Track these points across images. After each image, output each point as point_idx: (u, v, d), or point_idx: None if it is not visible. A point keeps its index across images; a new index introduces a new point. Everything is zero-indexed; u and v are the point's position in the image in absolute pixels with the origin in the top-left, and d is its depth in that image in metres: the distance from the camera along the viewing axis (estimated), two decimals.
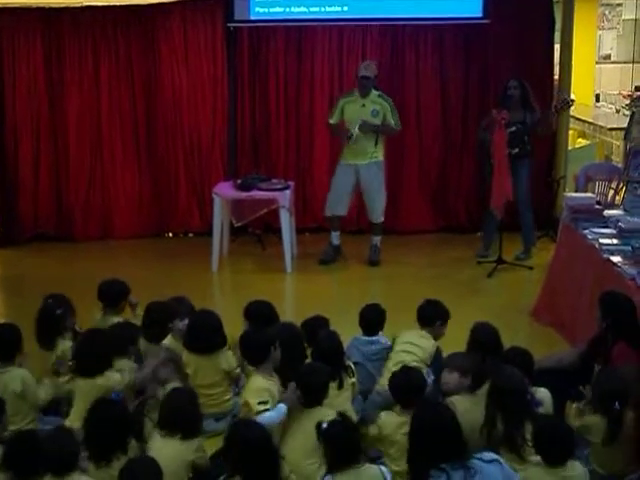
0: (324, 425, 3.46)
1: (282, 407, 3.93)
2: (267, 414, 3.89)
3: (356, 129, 7.21)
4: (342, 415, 3.54)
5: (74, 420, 4.02)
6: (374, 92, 7.33)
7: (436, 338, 4.64)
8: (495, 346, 4.29)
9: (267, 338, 4.20)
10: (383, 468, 3.46)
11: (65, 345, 4.63)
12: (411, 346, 4.50)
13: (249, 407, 3.97)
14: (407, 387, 3.84)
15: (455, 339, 4.64)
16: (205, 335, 4.49)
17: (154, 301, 5.00)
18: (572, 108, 7.86)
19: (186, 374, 4.45)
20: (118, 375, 4.20)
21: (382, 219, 7.57)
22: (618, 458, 3.72)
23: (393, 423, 3.77)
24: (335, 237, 7.62)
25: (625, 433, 3.69)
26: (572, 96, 7.72)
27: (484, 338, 4.30)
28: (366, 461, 3.48)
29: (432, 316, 4.66)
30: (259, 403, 3.94)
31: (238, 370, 4.56)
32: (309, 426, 3.64)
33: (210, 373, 4.49)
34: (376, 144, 7.34)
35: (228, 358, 4.52)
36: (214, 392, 4.47)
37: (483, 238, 7.66)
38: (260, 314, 4.71)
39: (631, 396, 3.74)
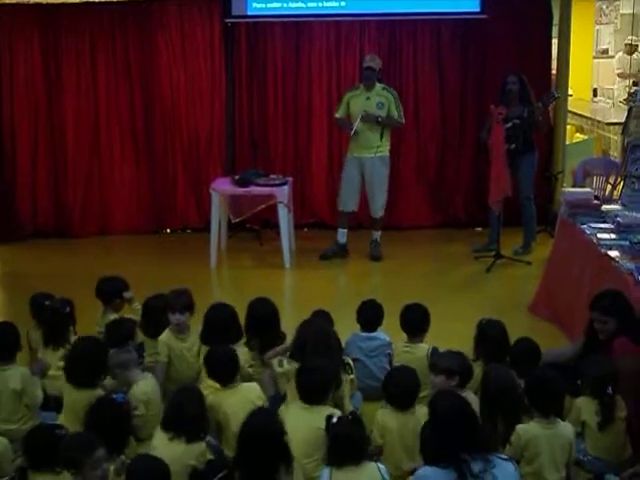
0: (334, 419, 3.42)
1: None
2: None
3: (358, 121, 7.21)
4: (352, 413, 3.49)
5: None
6: (379, 85, 7.34)
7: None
8: (503, 342, 4.31)
9: (232, 355, 4.10)
10: (381, 466, 3.43)
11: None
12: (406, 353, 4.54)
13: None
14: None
15: (454, 334, 4.66)
16: (218, 329, 4.41)
17: (152, 295, 4.98)
18: (566, 101, 7.87)
19: None
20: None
21: (381, 214, 7.56)
22: (614, 443, 3.77)
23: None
24: (342, 235, 7.56)
25: (618, 418, 3.76)
26: (569, 91, 7.71)
27: (493, 335, 4.31)
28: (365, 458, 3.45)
29: (422, 322, 4.61)
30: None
31: (250, 369, 4.45)
32: (309, 424, 3.61)
33: None
34: (382, 138, 7.32)
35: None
36: None
37: (489, 232, 7.59)
38: (262, 313, 4.66)
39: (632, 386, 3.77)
